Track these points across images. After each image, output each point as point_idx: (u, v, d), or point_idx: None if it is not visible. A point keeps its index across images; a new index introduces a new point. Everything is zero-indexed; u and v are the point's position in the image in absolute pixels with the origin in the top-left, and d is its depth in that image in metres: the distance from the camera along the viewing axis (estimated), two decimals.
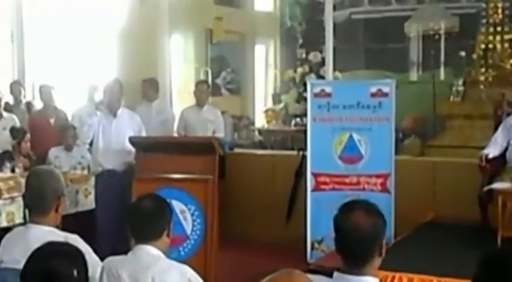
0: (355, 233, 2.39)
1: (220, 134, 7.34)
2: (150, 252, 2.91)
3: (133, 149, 6.08)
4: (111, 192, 6.16)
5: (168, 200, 3.14)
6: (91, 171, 6.50)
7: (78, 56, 9.14)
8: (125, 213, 5.71)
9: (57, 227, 3.12)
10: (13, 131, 6.82)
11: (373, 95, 5.97)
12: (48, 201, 3.09)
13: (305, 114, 10.50)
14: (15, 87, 7.85)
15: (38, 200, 3.09)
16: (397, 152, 6.53)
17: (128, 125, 6.41)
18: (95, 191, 6.29)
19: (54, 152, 6.98)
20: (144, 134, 6.51)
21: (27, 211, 3.31)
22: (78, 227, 3.62)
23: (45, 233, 2.95)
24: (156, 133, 7.11)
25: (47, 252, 2.23)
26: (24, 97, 7.97)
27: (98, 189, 6.28)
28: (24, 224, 5.22)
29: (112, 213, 6.07)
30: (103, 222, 6.14)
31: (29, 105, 8.06)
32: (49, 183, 3.12)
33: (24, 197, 3.19)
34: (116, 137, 6.32)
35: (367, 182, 5.97)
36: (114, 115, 6.37)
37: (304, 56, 11.77)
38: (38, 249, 2.25)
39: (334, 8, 8.02)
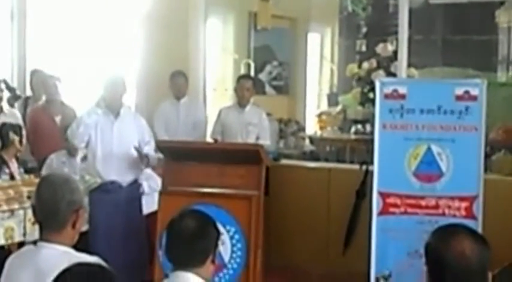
0: (460, 266, 2.33)
1: (266, 141, 7.37)
2: (190, 281, 2.92)
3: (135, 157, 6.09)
4: (113, 211, 6.14)
5: None
6: (87, 184, 6.31)
7: (93, 43, 9.12)
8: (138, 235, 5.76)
9: (74, 246, 3.14)
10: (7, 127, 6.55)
11: (458, 98, 5.93)
12: (63, 215, 3.08)
13: (368, 120, 10.59)
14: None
15: (51, 214, 3.08)
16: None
17: (133, 129, 6.36)
18: (90, 209, 6.11)
19: (56, 158, 6.93)
20: (152, 141, 6.43)
21: (35, 227, 3.29)
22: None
23: (59, 255, 2.96)
24: (184, 139, 7.15)
25: (77, 278, 2.22)
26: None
27: (95, 206, 6.16)
28: (23, 242, 5.33)
29: (114, 236, 6.08)
30: (99, 248, 5.75)
31: (27, 100, 7.95)
32: (64, 194, 3.11)
33: (34, 209, 3.19)
34: (118, 142, 6.27)
35: (448, 205, 5.92)
36: (116, 115, 6.30)
37: (364, 48, 11.70)
38: (65, 272, 2.24)
39: None
